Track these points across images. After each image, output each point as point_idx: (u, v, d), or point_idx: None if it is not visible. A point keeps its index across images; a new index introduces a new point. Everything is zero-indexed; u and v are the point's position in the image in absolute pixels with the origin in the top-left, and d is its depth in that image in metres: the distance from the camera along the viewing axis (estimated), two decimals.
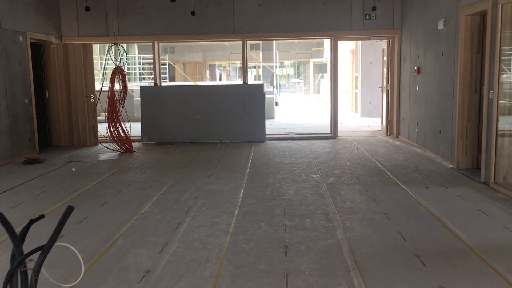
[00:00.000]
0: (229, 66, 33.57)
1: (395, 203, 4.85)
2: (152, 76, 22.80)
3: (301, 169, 6.65)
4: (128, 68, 22.16)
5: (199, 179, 6.12)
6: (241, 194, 5.33)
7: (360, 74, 13.68)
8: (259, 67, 25.16)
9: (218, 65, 33.80)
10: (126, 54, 8.41)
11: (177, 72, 28.09)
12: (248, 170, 6.63)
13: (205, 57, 27.36)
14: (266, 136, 9.53)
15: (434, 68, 7.32)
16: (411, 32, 8.52)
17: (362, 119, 13.11)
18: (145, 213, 4.70)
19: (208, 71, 29.83)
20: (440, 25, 6.96)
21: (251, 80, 26.69)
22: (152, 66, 22.63)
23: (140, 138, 9.44)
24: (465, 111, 6.36)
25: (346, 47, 15.38)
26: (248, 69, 33.45)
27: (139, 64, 22.12)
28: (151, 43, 9.52)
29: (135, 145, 9.18)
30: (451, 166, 6.56)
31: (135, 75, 22.00)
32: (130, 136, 8.39)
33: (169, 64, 23.94)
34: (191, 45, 25.71)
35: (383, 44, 10.42)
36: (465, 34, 6.25)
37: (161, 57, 23.46)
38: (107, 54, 8.19)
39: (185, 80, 27.82)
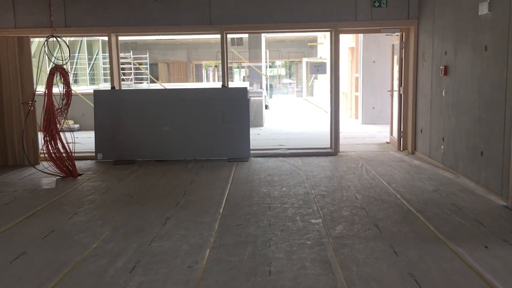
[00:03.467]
0: (216, 66, 31.64)
1: (450, 285, 3.01)
2: (131, 77, 21.10)
3: (296, 207, 4.80)
4: (105, 69, 20.18)
5: (149, 227, 4.25)
6: (205, 261, 3.46)
7: (362, 75, 11.86)
8: (248, 67, 23.33)
9: (205, 65, 31.89)
10: (69, 49, 6.50)
11: (160, 73, 26.15)
12: (221, 210, 4.76)
13: (190, 56, 25.45)
14: (252, 151, 7.67)
15: (471, 67, 5.51)
16: (433, 21, 6.70)
17: (364, 127, 11.29)
18: None
19: (194, 71, 27.89)
20: (483, 10, 5.14)
21: (239, 82, 24.82)
22: (131, 66, 20.86)
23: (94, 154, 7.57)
24: None
25: (345, 43, 13.57)
26: (236, 69, 31.29)
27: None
28: (107, 36, 7.62)
29: (87, 164, 7.29)
30: (503, 203, 4.73)
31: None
32: (72, 153, 6.48)
33: (148, 65, 22.00)
34: (174, 42, 23.77)
35: (392, 39, 8.60)
36: None
37: (143, 56, 21.73)
38: (42, 50, 6.27)
39: (169, 81, 25.89)
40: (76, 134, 10.54)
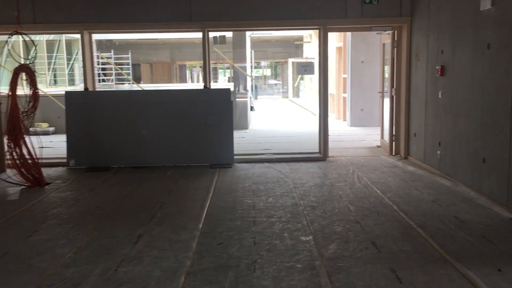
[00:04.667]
0: (201, 67, 31.06)
1: None
2: (112, 78, 20.43)
3: (283, 221, 4.33)
4: None
5: (118, 248, 3.74)
6: None
7: (350, 76, 11.47)
8: (232, 67, 22.85)
9: (189, 66, 31.29)
10: (35, 47, 5.95)
11: (143, 73, 25.52)
12: (201, 225, 4.28)
13: (174, 56, 24.86)
14: (236, 156, 7.19)
15: (472, 67, 5.11)
16: (428, 18, 6.30)
17: (352, 129, 10.90)
18: None
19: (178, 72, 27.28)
20: (485, 4, 4.74)
21: (224, 83, 24.32)
22: (113, 66, 20.19)
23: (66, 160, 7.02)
24: None
25: (332, 43, 13.15)
26: (221, 70, 30.57)
27: (97, 64, 19.37)
28: (79, 33, 7.08)
29: (57, 171, 6.75)
30: (510, 215, 4.33)
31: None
32: (39, 160, 5.92)
33: (133, 65, 21.33)
34: (157, 42, 23.16)
35: (383, 38, 8.21)
36: None
37: (124, 56, 21.04)
38: (5, 48, 5.73)
39: (152, 82, 25.25)
40: (51, 137, 10.00)
